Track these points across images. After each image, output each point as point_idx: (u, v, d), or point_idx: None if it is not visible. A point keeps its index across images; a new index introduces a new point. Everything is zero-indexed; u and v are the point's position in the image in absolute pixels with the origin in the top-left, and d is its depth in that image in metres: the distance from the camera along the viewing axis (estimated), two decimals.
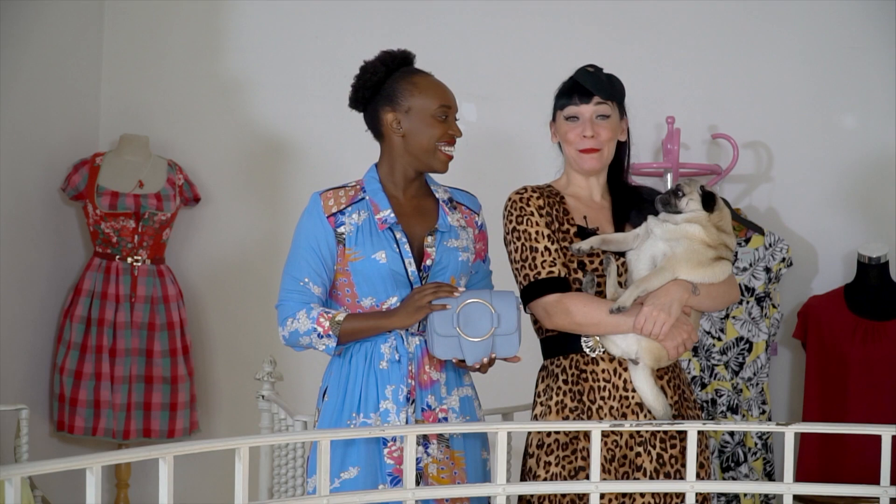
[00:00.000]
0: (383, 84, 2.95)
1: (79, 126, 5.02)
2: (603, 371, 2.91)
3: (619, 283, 2.92)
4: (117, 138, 4.96)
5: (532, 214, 2.95)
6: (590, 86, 2.96)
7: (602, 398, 2.90)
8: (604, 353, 2.91)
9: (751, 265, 4.50)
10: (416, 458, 2.85)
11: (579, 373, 2.92)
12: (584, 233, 2.96)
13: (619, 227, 2.99)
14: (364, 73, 2.97)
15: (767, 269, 4.51)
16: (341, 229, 2.92)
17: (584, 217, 2.98)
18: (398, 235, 2.91)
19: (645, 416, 2.88)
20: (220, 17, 5.10)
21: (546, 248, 2.93)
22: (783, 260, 4.51)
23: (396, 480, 2.83)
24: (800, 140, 4.72)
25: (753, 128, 4.73)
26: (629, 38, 4.80)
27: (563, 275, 2.92)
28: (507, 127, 4.87)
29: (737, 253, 4.50)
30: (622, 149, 3.05)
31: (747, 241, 4.53)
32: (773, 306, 4.51)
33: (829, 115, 4.71)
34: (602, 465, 2.87)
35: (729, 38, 4.78)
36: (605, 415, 2.89)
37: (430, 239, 2.94)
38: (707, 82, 4.78)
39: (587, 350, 2.91)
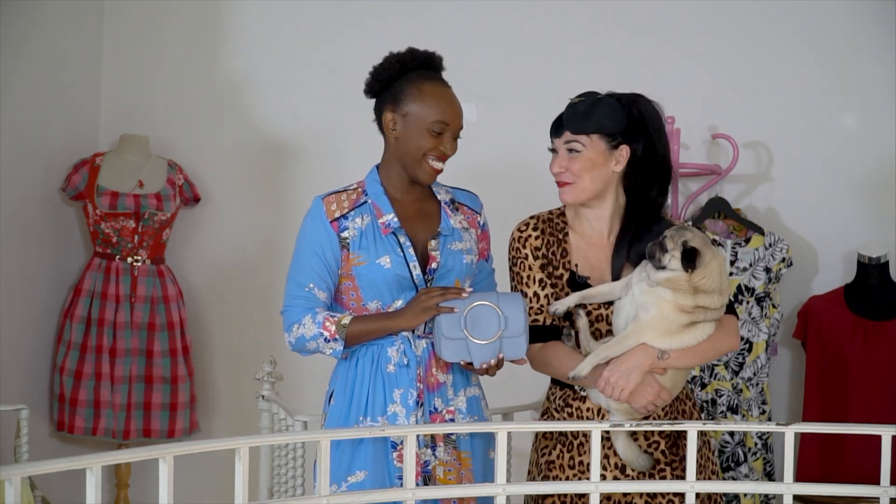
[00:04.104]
0: (395, 82, 2.92)
1: (79, 126, 5.02)
2: (587, 409, 2.90)
3: (609, 332, 2.87)
4: (117, 138, 4.96)
5: (526, 258, 2.93)
6: (565, 119, 2.89)
7: (584, 434, 2.88)
8: None
9: (751, 265, 4.50)
10: (425, 461, 2.85)
11: (565, 405, 2.93)
12: (573, 280, 2.90)
13: (617, 267, 2.90)
14: (381, 66, 2.94)
15: (767, 269, 4.50)
16: (345, 234, 2.90)
17: (576, 265, 2.92)
18: (402, 240, 2.90)
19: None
20: (220, 17, 5.10)
21: (535, 294, 2.91)
22: (783, 260, 4.51)
23: None
24: (800, 140, 4.72)
25: (753, 128, 4.73)
26: (629, 39, 4.80)
27: (549, 322, 2.90)
28: (507, 127, 4.87)
29: (737, 253, 4.50)
30: (642, 177, 2.91)
31: (747, 241, 4.53)
32: (773, 306, 4.51)
33: (829, 115, 4.70)
34: (573, 499, 2.88)
35: (729, 38, 4.77)
36: (585, 452, 2.87)
37: (433, 242, 2.93)
38: (707, 82, 4.78)
39: (577, 388, 2.91)
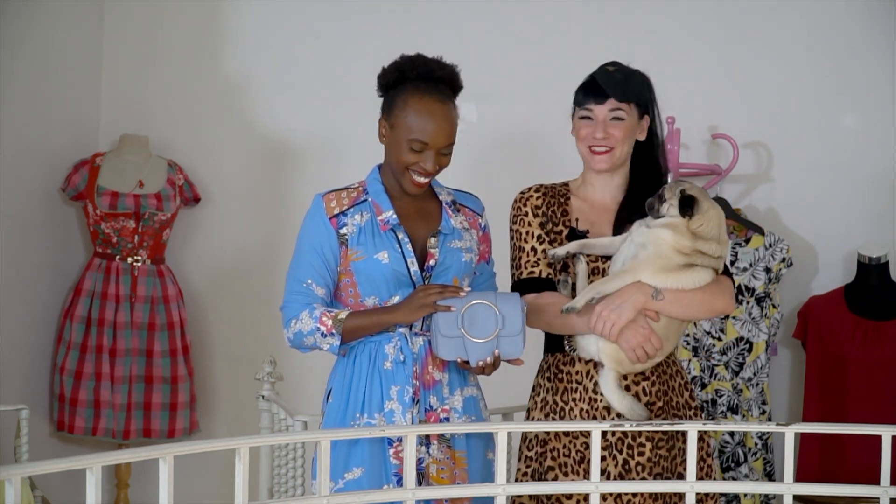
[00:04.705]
0: (392, 89, 2.93)
1: (79, 126, 5.02)
2: (577, 373, 2.92)
3: None
4: (117, 138, 4.96)
5: (526, 215, 2.97)
6: (605, 86, 2.93)
7: (573, 400, 2.90)
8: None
9: (751, 265, 4.50)
10: (419, 459, 2.85)
11: (557, 372, 2.95)
12: (574, 235, 2.95)
13: (619, 229, 2.95)
14: (382, 72, 2.95)
15: (767, 269, 4.50)
16: (343, 230, 2.92)
17: (576, 219, 2.97)
18: (400, 236, 2.91)
19: (613, 419, 2.87)
20: (220, 17, 5.10)
21: (532, 249, 2.95)
22: (783, 260, 4.51)
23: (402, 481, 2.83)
24: (800, 140, 4.72)
25: (753, 128, 4.73)
26: (630, 39, 4.79)
27: (545, 275, 2.93)
28: (507, 127, 4.87)
29: (737, 253, 4.50)
30: (647, 147, 3.00)
31: (747, 241, 4.53)
32: (773, 306, 4.51)
33: (829, 115, 4.70)
34: (572, 467, 2.88)
35: (729, 38, 4.77)
36: (575, 416, 2.89)
37: (433, 240, 2.94)
38: (707, 82, 4.78)
39: (567, 349, 2.92)
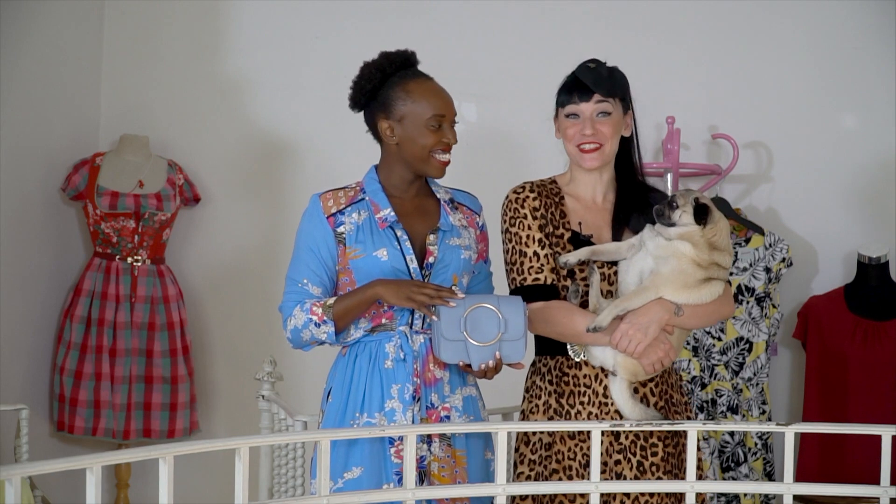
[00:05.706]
0: (379, 90, 2.94)
1: (79, 126, 5.02)
2: (584, 377, 2.90)
3: (610, 293, 2.90)
4: (117, 138, 4.96)
5: (525, 217, 2.94)
6: (590, 83, 2.92)
7: (581, 403, 2.89)
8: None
9: (751, 265, 4.50)
10: (421, 456, 2.86)
11: (562, 375, 2.93)
12: (577, 239, 2.93)
13: (618, 230, 2.95)
14: (361, 78, 2.96)
15: (767, 269, 4.51)
16: (341, 229, 2.92)
17: (580, 223, 2.96)
18: (399, 233, 2.92)
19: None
20: (220, 17, 5.10)
21: (535, 254, 2.92)
22: (783, 260, 4.51)
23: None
24: (800, 140, 4.72)
25: (753, 128, 4.73)
26: (629, 38, 4.80)
27: (550, 282, 2.91)
28: (507, 127, 4.87)
29: (737, 253, 4.50)
30: (628, 144, 3.01)
31: (747, 241, 4.53)
32: (773, 306, 4.51)
33: (829, 115, 4.70)
34: (577, 470, 2.87)
35: (729, 38, 4.78)
36: (583, 420, 2.89)
37: (432, 237, 2.94)
38: (707, 82, 4.78)
39: (571, 354, 2.91)
